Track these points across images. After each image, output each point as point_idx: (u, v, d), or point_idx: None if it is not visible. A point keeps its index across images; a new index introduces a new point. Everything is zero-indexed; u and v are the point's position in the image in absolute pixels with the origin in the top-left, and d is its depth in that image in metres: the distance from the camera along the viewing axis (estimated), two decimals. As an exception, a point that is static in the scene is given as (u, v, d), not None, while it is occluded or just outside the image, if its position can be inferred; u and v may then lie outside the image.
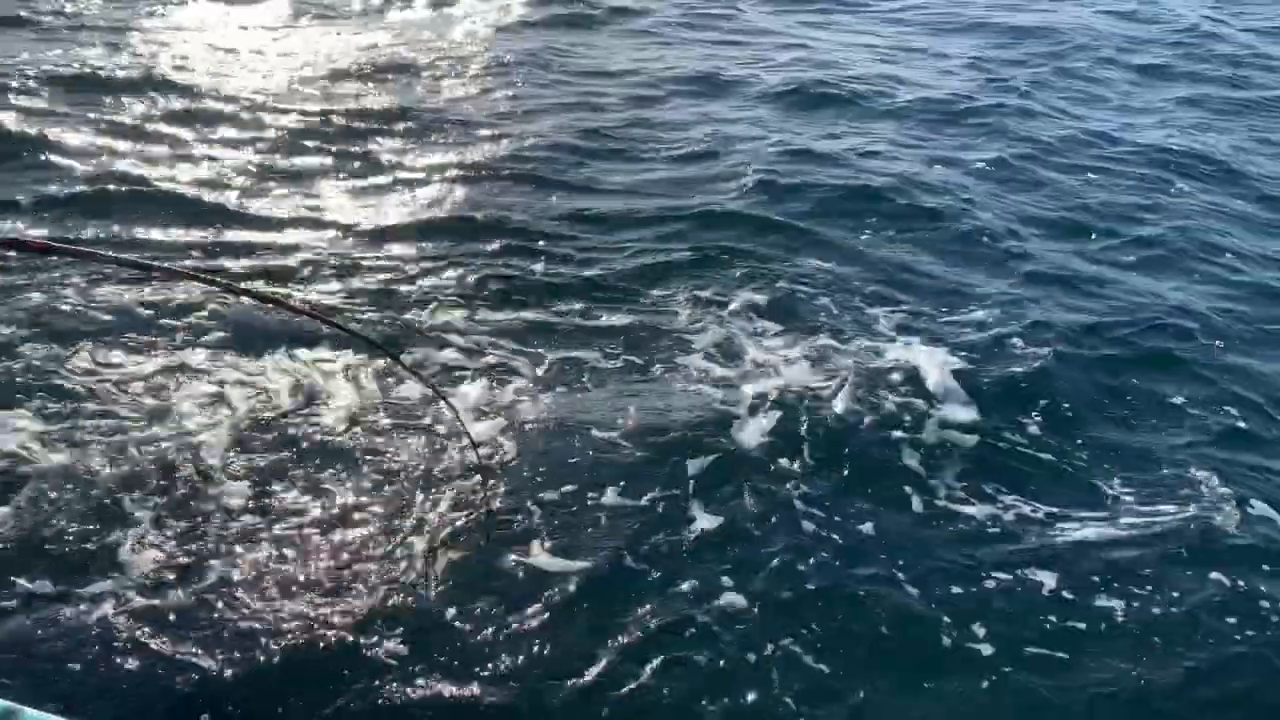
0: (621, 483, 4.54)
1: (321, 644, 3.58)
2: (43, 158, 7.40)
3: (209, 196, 7.11)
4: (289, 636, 3.59)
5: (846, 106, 10.60)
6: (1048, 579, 4.20)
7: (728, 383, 5.39)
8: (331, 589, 3.81)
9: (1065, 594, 4.14)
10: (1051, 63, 12.94)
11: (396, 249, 6.62)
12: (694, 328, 5.92)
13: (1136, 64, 13.28)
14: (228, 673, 3.43)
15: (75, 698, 3.30)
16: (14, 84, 8.68)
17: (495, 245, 6.72)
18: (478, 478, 4.42)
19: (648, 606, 3.87)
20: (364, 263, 6.38)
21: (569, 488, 4.50)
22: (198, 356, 5.16)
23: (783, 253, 6.97)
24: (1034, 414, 5.36)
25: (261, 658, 3.50)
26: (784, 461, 4.79)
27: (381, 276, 6.23)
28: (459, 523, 4.20)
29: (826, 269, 6.78)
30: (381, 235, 6.79)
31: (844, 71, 11.80)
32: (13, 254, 5.65)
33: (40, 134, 7.69)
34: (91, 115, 8.30)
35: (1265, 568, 4.36)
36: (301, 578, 3.85)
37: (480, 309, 5.94)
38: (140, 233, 6.52)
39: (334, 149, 8.23)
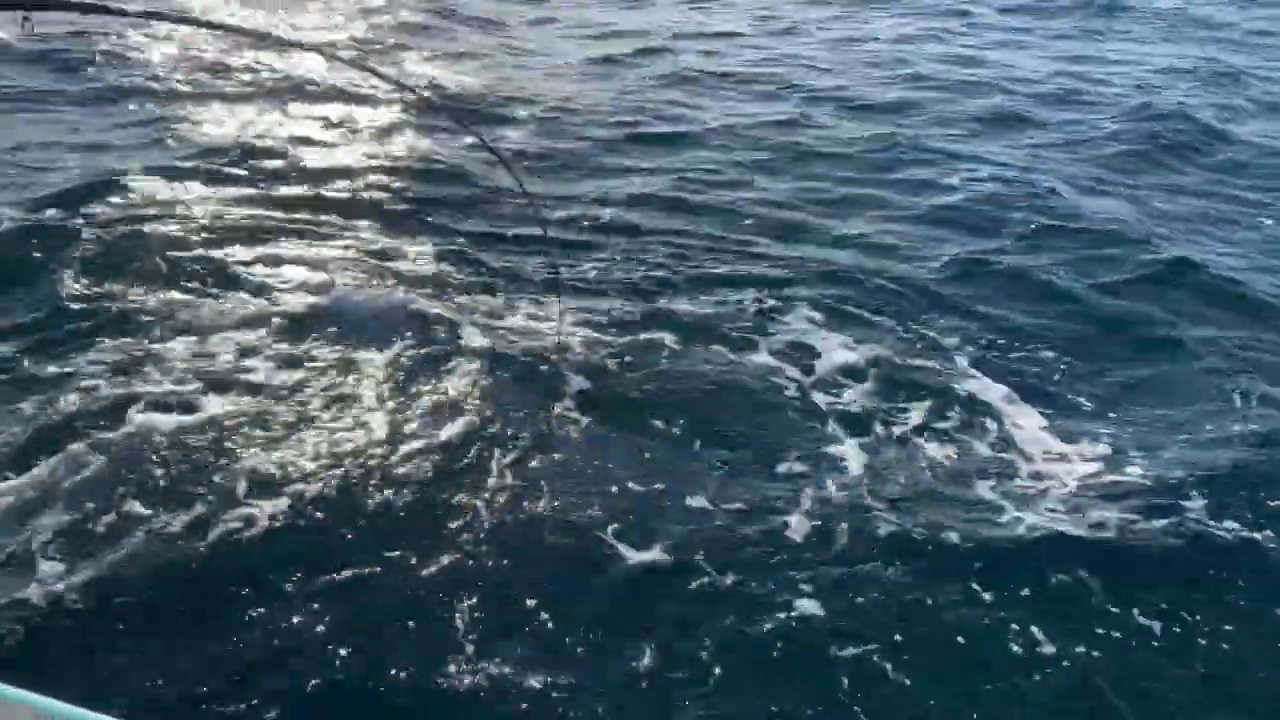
0: (706, 485, 4.50)
1: (384, 610, 3.67)
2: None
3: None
4: (351, 596, 3.71)
5: (1022, 131, 10.29)
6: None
7: (854, 407, 5.22)
8: (401, 555, 3.90)
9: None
10: (1221, 90, 12.21)
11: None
12: (830, 353, 5.69)
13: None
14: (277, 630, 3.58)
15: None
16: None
17: (639, 246, 6.99)
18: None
19: (718, 603, 3.81)
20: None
21: (658, 485, 4.49)
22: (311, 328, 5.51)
23: (956, 290, 6.59)
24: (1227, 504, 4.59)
25: (307, 616, 3.62)
26: (880, 488, 4.58)
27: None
28: (534, 499, 4.27)
29: (1004, 309, 6.38)
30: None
31: (1016, 97, 11.42)
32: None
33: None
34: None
35: None
36: (377, 543, 3.97)
37: (611, 301, 6.13)
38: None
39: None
